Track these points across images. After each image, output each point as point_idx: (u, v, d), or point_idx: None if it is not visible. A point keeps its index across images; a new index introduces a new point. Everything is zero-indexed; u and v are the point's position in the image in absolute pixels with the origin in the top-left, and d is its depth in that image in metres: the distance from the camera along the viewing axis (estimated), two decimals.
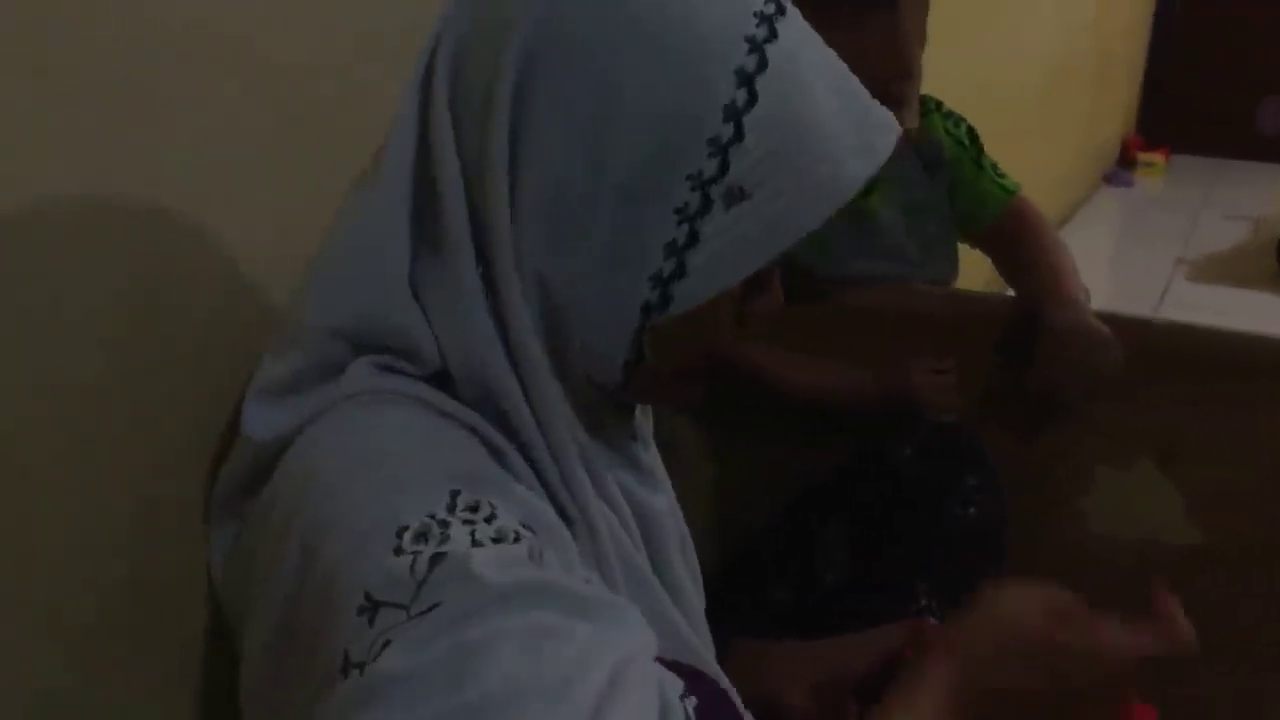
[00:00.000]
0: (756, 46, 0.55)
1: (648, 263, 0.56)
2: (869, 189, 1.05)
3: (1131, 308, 1.19)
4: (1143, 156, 4.64)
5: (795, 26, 0.57)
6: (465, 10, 0.57)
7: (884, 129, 0.59)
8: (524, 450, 0.57)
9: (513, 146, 0.55)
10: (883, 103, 0.96)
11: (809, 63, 0.57)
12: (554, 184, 0.55)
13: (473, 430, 0.56)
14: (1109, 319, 0.98)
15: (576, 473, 0.59)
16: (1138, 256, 3.81)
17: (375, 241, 0.57)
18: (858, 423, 1.04)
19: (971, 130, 1.11)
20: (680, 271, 0.56)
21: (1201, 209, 4.13)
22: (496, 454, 0.56)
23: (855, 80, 0.59)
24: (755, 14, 0.55)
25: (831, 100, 0.57)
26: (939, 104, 1.11)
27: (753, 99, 0.54)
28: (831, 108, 0.57)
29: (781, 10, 0.57)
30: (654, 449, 0.73)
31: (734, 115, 0.54)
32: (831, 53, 0.59)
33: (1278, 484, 0.95)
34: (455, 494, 0.51)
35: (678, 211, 0.55)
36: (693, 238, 0.55)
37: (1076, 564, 1.03)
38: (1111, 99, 4.47)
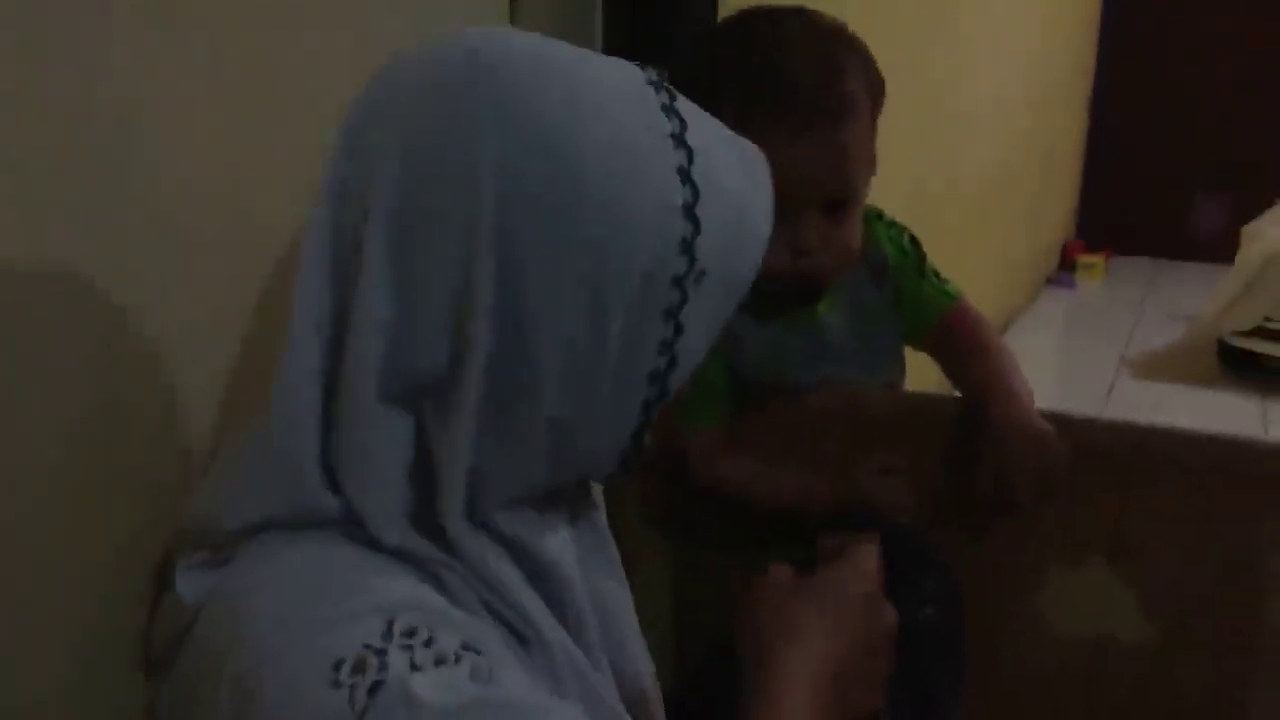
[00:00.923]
0: (678, 139, 0.58)
1: (646, 366, 0.59)
2: (820, 298, 1.08)
3: (1078, 407, 1.22)
4: (1083, 259, 4.76)
5: (686, 106, 0.61)
6: (390, 186, 0.56)
7: (759, 159, 0.64)
8: (464, 577, 0.58)
9: (503, 322, 0.56)
10: (827, 216, 0.99)
11: (709, 134, 0.61)
12: (564, 343, 0.56)
13: (402, 556, 0.56)
14: (1054, 418, 1.00)
15: (523, 595, 0.59)
16: (1082, 357, 3.88)
17: (285, 427, 0.57)
18: (814, 528, 1.04)
19: (913, 238, 1.14)
20: (672, 363, 0.59)
21: (1142, 309, 4.23)
22: (433, 579, 0.56)
23: (724, 128, 0.63)
24: (662, 107, 0.59)
25: (730, 155, 0.61)
26: (880, 214, 1.14)
27: (695, 190, 0.58)
28: (732, 161, 0.61)
29: (672, 95, 0.60)
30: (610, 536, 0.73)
31: (689, 212, 0.58)
32: (706, 114, 0.62)
33: (1225, 578, 0.97)
34: (390, 621, 0.51)
35: (665, 313, 0.58)
36: (678, 329, 0.59)
37: (1036, 664, 1.03)
38: (1051, 204, 4.61)
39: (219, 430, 0.69)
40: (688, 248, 0.58)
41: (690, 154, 0.58)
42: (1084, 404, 3.26)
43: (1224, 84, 4.98)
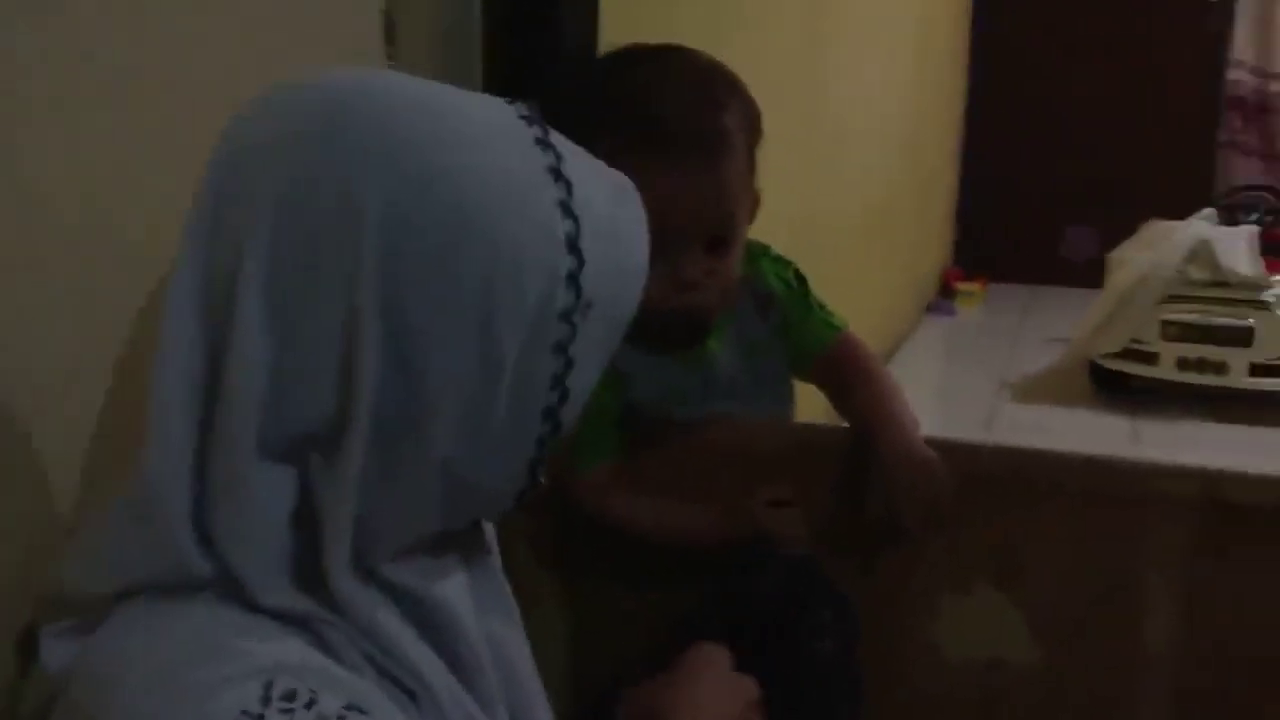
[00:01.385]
0: (555, 172, 0.58)
1: (539, 402, 0.58)
2: (706, 335, 1.08)
3: (961, 432, 1.25)
4: (961, 286, 4.89)
5: (561, 141, 0.60)
6: (265, 227, 0.54)
7: (631, 189, 0.64)
8: (349, 634, 0.56)
9: (391, 366, 0.54)
10: (708, 251, 0.99)
11: (583, 166, 0.60)
12: (456, 384, 0.55)
13: (282, 616, 0.54)
14: (939, 445, 1.01)
15: (413, 648, 0.57)
16: (964, 382, 3.98)
17: (154, 485, 0.54)
18: (710, 563, 1.04)
19: (798, 273, 1.15)
20: (564, 396, 0.59)
21: (1019, 334, 4.37)
22: (316, 638, 0.54)
23: (595, 160, 0.63)
24: (536, 141, 0.58)
25: (604, 187, 0.61)
26: (766, 249, 1.15)
27: (576, 223, 0.58)
28: (606, 193, 0.61)
29: (545, 129, 0.60)
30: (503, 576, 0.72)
31: (573, 245, 0.57)
32: (576, 145, 0.62)
33: (1106, 598, 0.99)
34: (269, 684, 0.49)
35: (554, 348, 0.58)
36: (569, 364, 0.58)
37: (931, 690, 1.04)
38: (929, 233, 4.74)
39: (85, 488, 0.66)
40: (573, 281, 0.57)
41: (569, 187, 0.58)
42: (966, 429, 3.35)
43: (1088, 118, 5.19)
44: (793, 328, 1.13)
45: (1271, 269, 3.39)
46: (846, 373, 1.10)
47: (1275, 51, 5.39)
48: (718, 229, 1.01)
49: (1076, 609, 1.00)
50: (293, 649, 0.53)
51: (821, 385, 1.14)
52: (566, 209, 0.57)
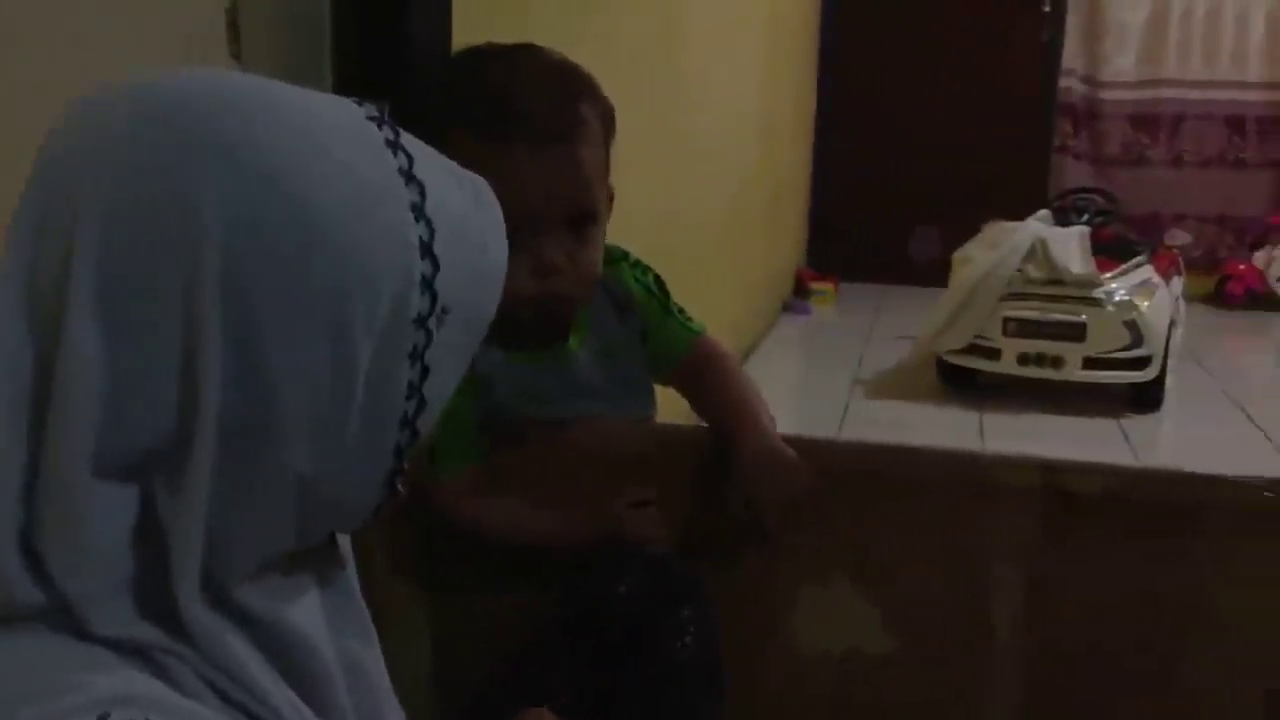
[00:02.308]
0: (407, 175, 0.56)
1: (395, 411, 0.56)
2: (566, 332, 1.08)
3: (817, 428, 1.27)
4: (815, 286, 5.02)
5: (412, 142, 0.59)
6: (97, 232, 0.51)
7: (486, 189, 0.63)
8: (194, 664, 0.53)
9: (238, 377, 0.52)
10: (569, 235, 0.99)
11: (435, 168, 0.59)
12: (308, 395, 0.53)
13: (121, 646, 0.52)
14: (794, 442, 1.03)
15: (263, 676, 0.55)
16: (819, 380, 4.08)
17: None
18: (570, 566, 1.04)
19: (658, 278, 1.16)
20: (421, 405, 0.57)
21: (871, 332, 4.50)
22: (157, 669, 0.52)
23: (447, 160, 0.61)
24: (386, 143, 0.57)
25: (458, 188, 0.60)
26: (626, 254, 1.16)
27: (431, 227, 0.56)
28: (460, 194, 0.60)
29: (395, 130, 0.58)
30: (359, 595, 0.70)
31: (427, 249, 0.56)
32: (430, 147, 0.61)
33: (959, 587, 1.03)
34: (105, 715, 0.46)
35: (410, 355, 0.56)
36: (425, 371, 0.57)
37: (791, 681, 1.06)
38: (782, 234, 4.83)
39: None
40: (428, 286, 0.56)
41: (422, 189, 0.56)
42: (822, 425, 3.43)
43: (932, 124, 5.38)
44: (653, 332, 1.13)
45: (1102, 267, 3.57)
46: (705, 375, 1.12)
47: (1103, 60, 5.68)
48: (578, 209, 1.01)
49: (928, 599, 1.04)
50: (132, 681, 0.50)
51: (681, 388, 1.16)
52: (419, 212, 0.56)
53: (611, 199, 1.08)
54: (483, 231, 0.60)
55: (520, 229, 0.95)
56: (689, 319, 1.15)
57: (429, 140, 0.82)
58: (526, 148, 0.98)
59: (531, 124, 0.98)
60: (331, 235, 0.52)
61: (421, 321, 0.56)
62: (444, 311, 0.57)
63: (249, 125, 0.52)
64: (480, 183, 0.62)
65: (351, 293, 0.53)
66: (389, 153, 0.56)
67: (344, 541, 0.68)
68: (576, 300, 1.05)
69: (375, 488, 0.59)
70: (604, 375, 1.11)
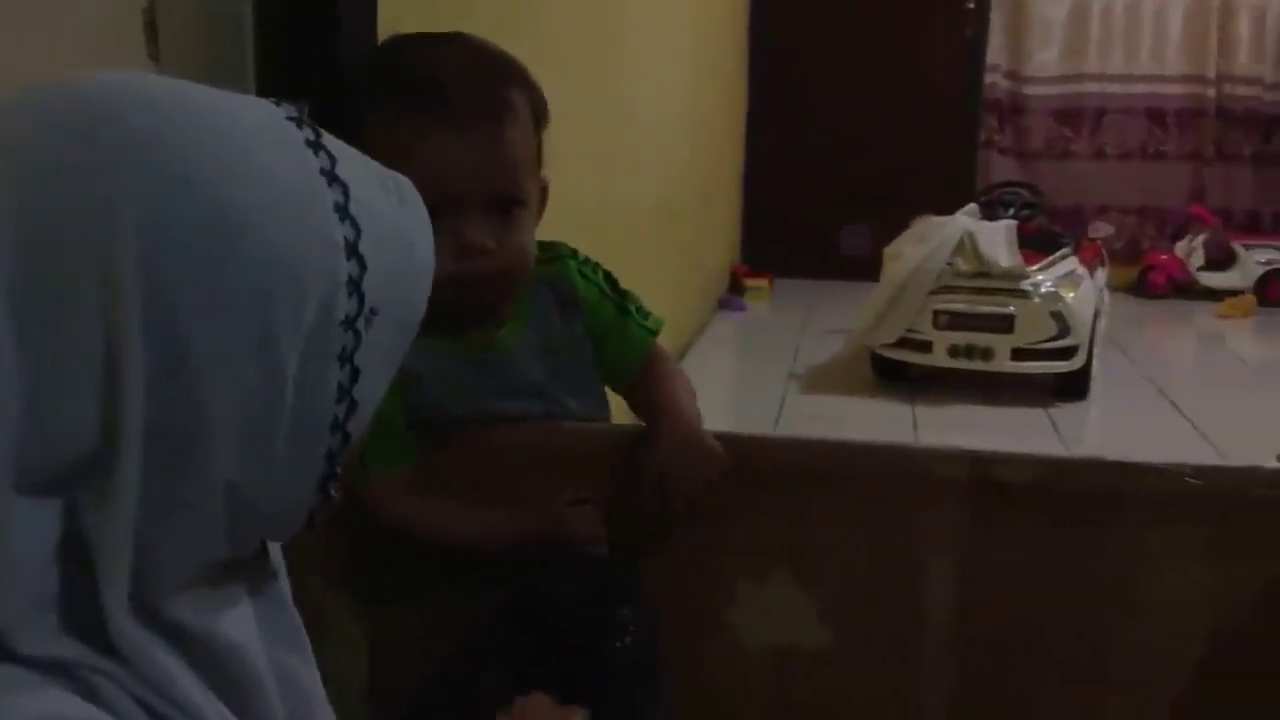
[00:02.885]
0: (329, 175, 0.56)
1: (325, 416, 0.56)
2: (495, 316, 1.06)
3: (754, 424, 1.28)
4: (750, 282, 5.05)
5: (334, 143, 0.58)
6: (8, 241, 0.50)
7: (410, 187, 0.62)
8: (124, 682, 0.52)
9: (163, 386, 0.50)
10: (495, 217, 0.97)
11: (358, 167, 0.58)
12: (236, 402, 0.52)
13: (46, 666, 0.50)
14: (727, 439, 1.04)
15: (195, 692, 0.54)
16: (755, 376, 4.11)
17: None
18: (510, 567, 1.03)
19: (609, 276, 1.14)
20: (352, 408, 0.57)
21: (805, 327, 4.54)
22: (85, 689, 0.51)
23: (369, 159, 0.61)
24: (307, 143, 0.56)
25: (382, 186, 0.59)
26: (575, 252, 1.14)
27: (356, 227, 0.55)
28: (385, 192, 0.59)
29: (316, 130, 0.58)
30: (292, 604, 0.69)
31: (353, 250, 0.55)
32: (352, 148, 0.60)
33: (894, 579, 1.04)
34: None
35: (339, 358, 0.55)
36: (355, 373, 0.56)
37: (731, 678, 1.07)
38: (716, 231, 4.85)
39: None
40: (356, 287, 0.55)
41: (345, 190, 0.56)
42: (759, 421, 3.46)
43: (861, 121, 5.44)
44: (611, 338, 1.11)
45: (1028, 260, 3.64)
46: (649, 377, 1.11)
47: (1026, 55, 5.78)
48: (502, 190, 0.99)
49: (863, 592, 1.05)
50: (61, 702, 0.49)
51: (626, 391, 1.13)
52: (344, 212, 0.55)
53: (545, 190, 1.07)
54: (409, 230, 0.60)
55: (442, 211, 0.94)
56: (645, 316, 1.12)
57: (352, 125, 0.81)
58: (449, 127, 0.97)
59: (455, 104, 0.97)
60: (253, 237, 0.51)
61: (350, 323, 0.55)
62: (372, 312, 0.56)
63: (164, 126, 0.51)
64: (404, 182, 0.62)
65: (276, 295, 0.52)
66: (310, 153, 0.55)
67: (275, 550, 0.67)
68: (502, 284, 1.02)
69: (307, 494, 0.58)
70: (544, 372, 1.09)
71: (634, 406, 1.12)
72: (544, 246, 1.09)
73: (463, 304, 0.98)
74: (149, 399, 0.50)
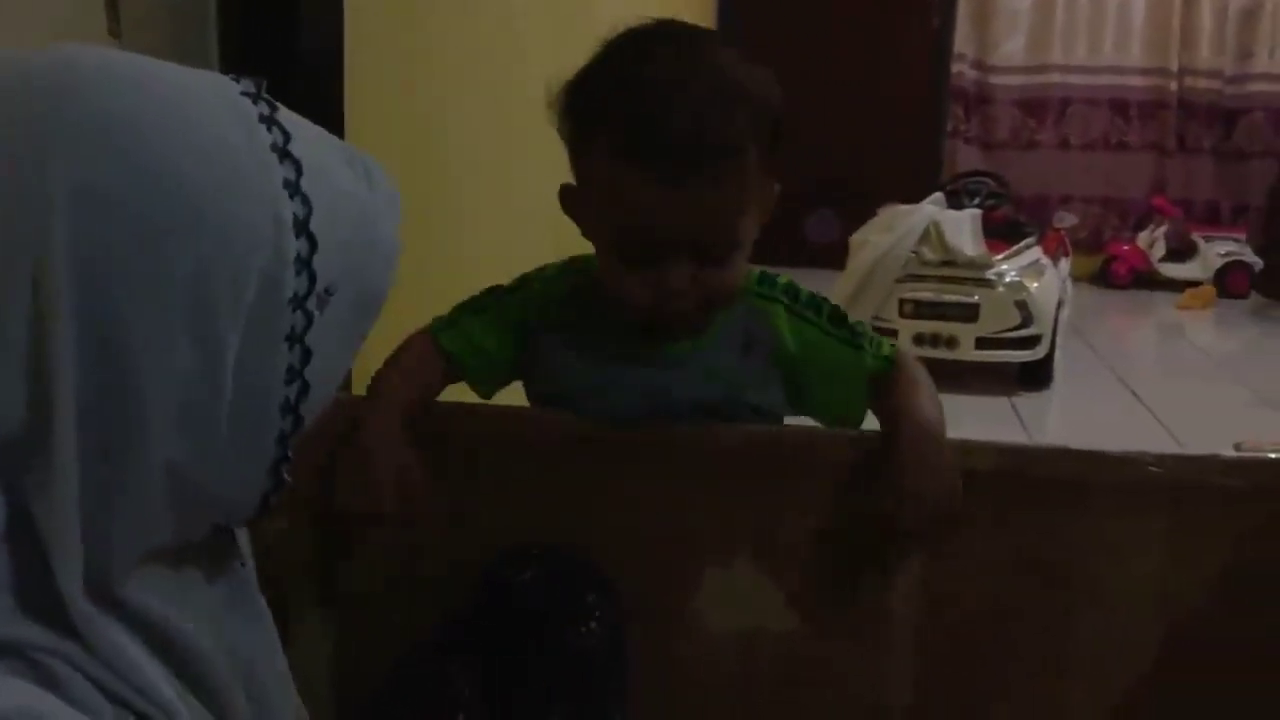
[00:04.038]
0: (281, 151, 0.54)
1: (274, 397, 0.54)
2: (675, 337, 1.02)
3: None
4: None
5: (288, 117, 0.57)
6: None
7: (376, 165, 0.61)
8: (82, 671, 0.51)
9: (95, 362, 0.49)
10: (698, 262, 0.95)
11: (317, 144, 0.57)
12: (172, 379, 0.51)
13: (11, 654, 0.49)
14: (688, 432, 1.03)
15: (153, 674, 0.54)
16: None
17: None
18: (474, 558, 1.03)
19: (836, 311, 1.07)
20: (304, 390, 0.55)
21: None
22: (41, 672, 0.50)
23: (333, 137, 0.60)
24: (260, 118, 0.55)
25: (344, 164, 0.59)
26: (794, 293, 1.07)
27: (307, 204, 0.54)
28: (346, 171, 0.58)
29: (273, 106, 0.57)
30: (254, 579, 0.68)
31: (303, 228, 0.54)
32: (315, 125, 0.59)
33: (858, 565, 1.04)
34: None
35: (288, 338, 0.54)
36: (306, 355, 0.55)
37: (696, 661, 1.07)
38: None
39: None
40: (305, 266, 0.54)
41: (298, 166, 0.55)
42: None
43: (828, 110, 5.44)
44: (840, 373, 1.05)
45: (993, 249, 3.66)
46: (889, 387, 1.04)
47: (992, 45, 5.81)
48: (709, 242, 0.96)
49: (828, 578, 1.05)
50: (19, 692, 0.48)
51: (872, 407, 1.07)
52: (294, 189, 0.54)
53: (772, 199, 1.03)
54: (374, 212, 0.59)
55: (644, 253, 0.96)
56: (878, 347, 1.06)
57: (577, 131, 0.85)
58: (658, 178, 0.91)
59: (667, 154, 0.91)
60: (190, 210, 0.50)
61: (299, 302, 0.54)
62: (327, 292, 0.56)
63: (104, 97, 0.50)
64: (373, 162, 0.61)
65: (213, 271, 0.51)
66: (262, 128, 0.54)
67: (241, 536, 0.67)
68: (697, 315, 1.00)
69: (258, 478, 0.57)
70: (691, 390, 1.05)
71: (875, 412, 1.07)
72: (760, 280, 1.06)
73: (654, 324, 0.99)
74: (81, 378, 0.49)
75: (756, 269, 1.07)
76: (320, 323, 0.55)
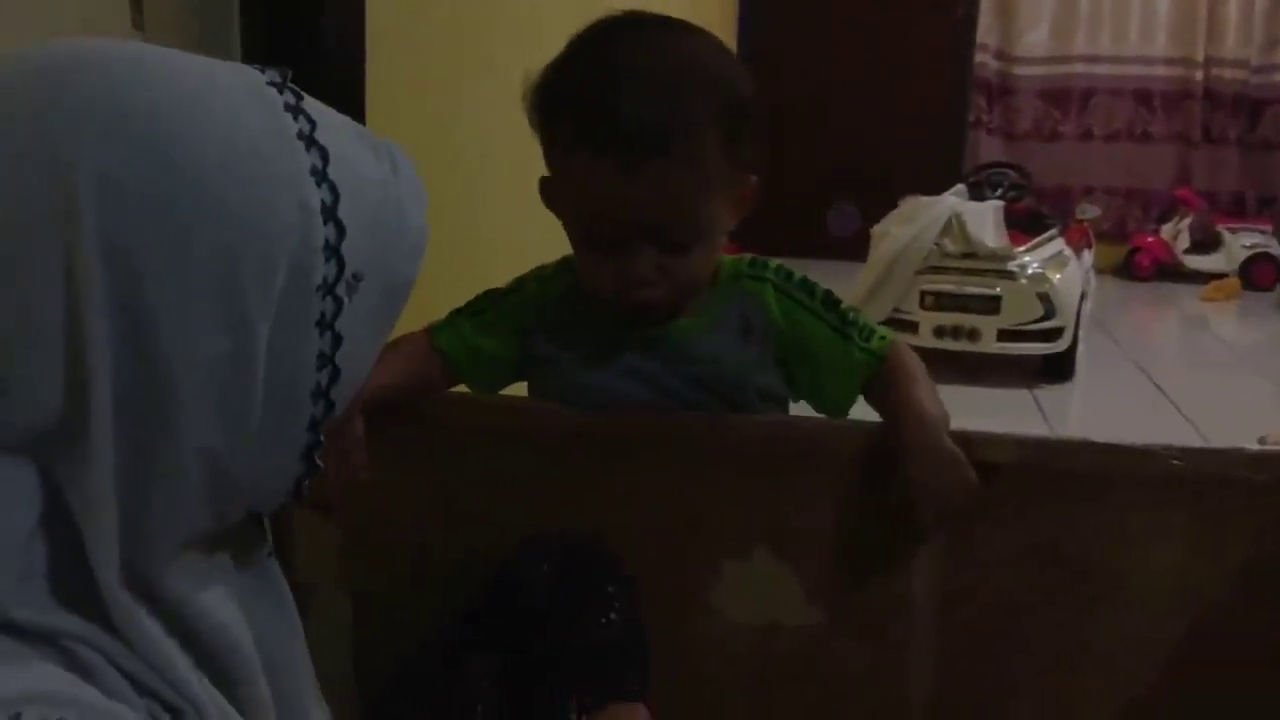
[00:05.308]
0: (308, 139, 0.55)
1: (306, 383, 0.55)
2: (653, 322, 1.01)
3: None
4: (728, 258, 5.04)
5: (314, 105, 0.57)
6: None
7: (398, 151, 0.61)
8: (113, 662, 0.52)
9: (127, 348, 0.50)
10: (665, 251, 0.96)
11: (342, 132, 0.58)
12: (203, 365, 0.51)
13: (30, 634, 0.50)
14: (695, 420, 1.03)
15: (181, 663, 0.54)
16: None
17: None
18: (491, 550, 1.03)
19: (829, 296, 1.06)
20: (335, 375, 0.56)
21: None
22: (70, 660, 0.50)
23: (356, 124, 0.60)
24: (286, 107, 0.55)
25: (368, 152, 0.59)
26: (785, 274, 1.07)
27: (334, 191, 0.55)
28: (370, 158, 0.59)
29: (298, 95, 0.57)
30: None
31: (330, 214, 0.55)
32: (339, 114, 0.59)
33: (878, 558, 1.04)
34: (16, 716, 0.45)
35: (318, 324, 0.55)
36: (336, 340, 0.55)
37: (714, 654, 1.07)
38: None
39: None
40: (333, 252, 0.55)
41: (324, 154, 0.55)
42: None
43: (850, 101, 5.43)
44: (825, 360, 1.05)
45: (1015, 241, 3.64)
46: (885, 379, 1.04)
47: (1015, 35, 5.77)
48: (668, 230, 0.96)
49: (847, 570, 1.05)
50: (43, 675, 0.49)
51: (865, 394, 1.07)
52: (321, 176, 0.54)
53: (747, 195, 1.03)
54: (400, 198, 0.59)
55: (608, 240, 0.96)
56: (869, 336, 1.05)
57: (543, 119, 0.86)
58: (615, 164, 0.92)
59: (625, 138, 0.91)
60: (219, 199, 0.51)
61: (329, 288, 0.55)
62: (355, 278, 0.56)
63: (130, 83, 0.51)
64: (397, 149, 0.61)
65: (242, 256, 0.51)
66: (289, 116, 0.55)
67: (264, 523, 0.67)
68: (668, 304, 1.01)
69: (290, 464, 0.58)
70: (698, 372, 1.05)
71: (874, 406, 1.06)
72: (751, 264, 1.07)
73: (628, 311, 1.00)
74: (115, 364, 0.50)
75: (748, 256, 1.08)
76: (350, 309, 0.56)
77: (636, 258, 0.96)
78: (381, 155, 0.60)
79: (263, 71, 0.57)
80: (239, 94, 0.54)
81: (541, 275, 1.11)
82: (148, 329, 0.50)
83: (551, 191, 1.03)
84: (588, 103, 0.94)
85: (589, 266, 1.00)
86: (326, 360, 0.56)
